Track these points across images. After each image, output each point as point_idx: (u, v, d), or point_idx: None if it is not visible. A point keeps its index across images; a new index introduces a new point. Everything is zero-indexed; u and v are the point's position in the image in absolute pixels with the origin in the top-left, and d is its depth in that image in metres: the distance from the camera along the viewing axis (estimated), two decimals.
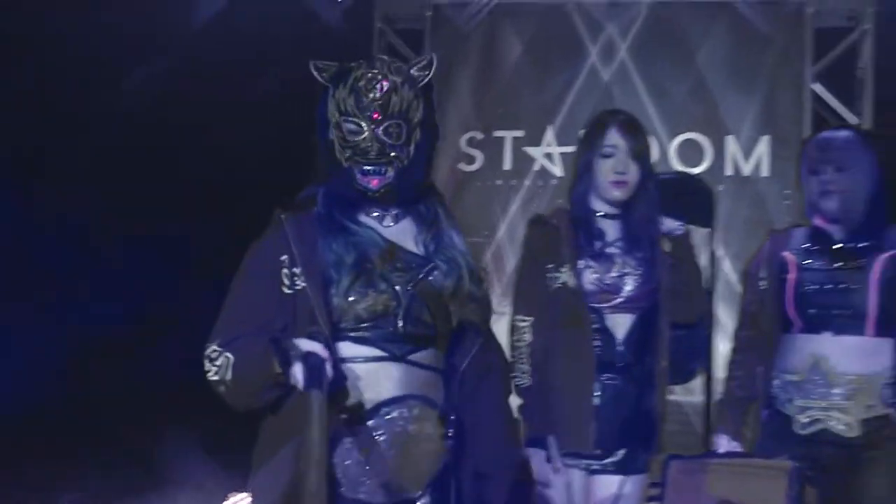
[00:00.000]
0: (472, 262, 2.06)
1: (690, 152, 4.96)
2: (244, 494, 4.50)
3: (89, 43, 5.34)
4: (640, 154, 2.63)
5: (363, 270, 1.92)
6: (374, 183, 1.97)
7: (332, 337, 1.91)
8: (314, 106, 6.20)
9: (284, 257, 1.97)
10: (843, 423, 2.58)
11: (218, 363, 1.91)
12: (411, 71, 2.02)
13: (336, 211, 2.01)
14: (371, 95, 1.95)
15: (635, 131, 2.68)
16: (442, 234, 2.04)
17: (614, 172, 2.61)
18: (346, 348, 1.92)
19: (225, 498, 4.71)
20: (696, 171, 4.83)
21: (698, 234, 2.97)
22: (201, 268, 5.08)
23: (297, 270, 1.98)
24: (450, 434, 1.97)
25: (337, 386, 1.83)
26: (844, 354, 2.60)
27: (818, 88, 5.27)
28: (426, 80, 2.04)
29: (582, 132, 2.79)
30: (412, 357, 1.94)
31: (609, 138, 2.62)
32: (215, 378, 1.92)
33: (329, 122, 1.97)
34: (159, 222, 5.24)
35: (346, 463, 1.88)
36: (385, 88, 1.96)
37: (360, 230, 1.98)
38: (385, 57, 2.09)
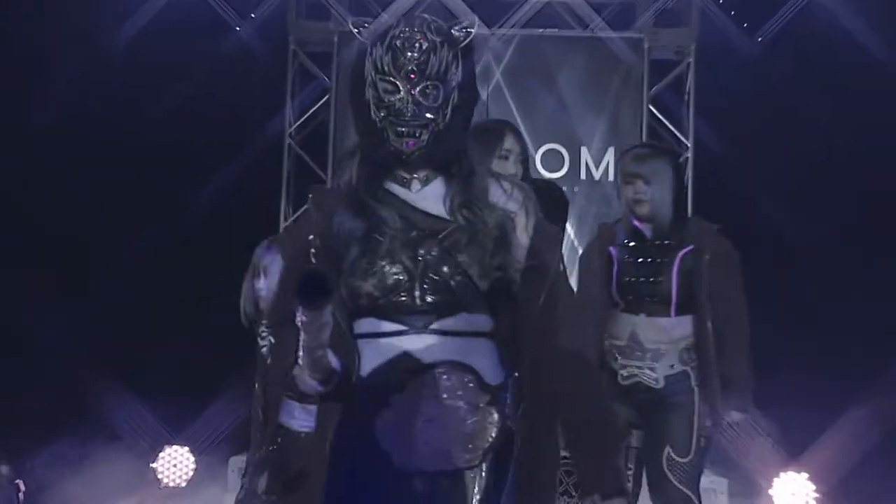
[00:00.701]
0: (504, 215, 1.76)
1: (552, 160, 5.29)
2: (177, 446, 4.92)
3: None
4: (526, 159, 2.76)
5: (372, 244, 1.71)
6: (408, 144, 1.73)
7: (353, 313, 1.74)
8: (232, 113, 5.99)
9: (312, 236, 1.81)
10: (651, 378, 2.90)
11: (265, 343, 1.85)
12: (452, 31, 1.79)
13: (361, 180, 1.76)
14: (409, 54, 1.72)
15: (523, 139, 2.81)
16: (472, 188, 1.76)
17: (508, 173, 2.72)
18: (367, 324, 1.73)
19: (161, 449, 4.95)
20: (556, 175, 5.14)
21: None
22: None
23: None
24: (507, 400, 1.73)
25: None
26: (653, 329, 2.91)
27: (653, 109, 5.59)
28: (467, 41, 1.80)
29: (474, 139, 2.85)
30: (435, 326, 1.71)
31: (507, 143, 2.70)
32: (266, 353, 1.86)
33: (365, 82, 1.75)
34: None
35: (389, 434, 1.69)
36: (423, 48, 1.73)
37: (377, 204, 1.74)
38: (426, 15, 1.82)
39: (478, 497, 1.66)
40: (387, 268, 1.66)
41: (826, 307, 4.98)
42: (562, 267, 1.84)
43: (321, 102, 5.46)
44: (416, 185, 1.73)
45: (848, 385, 4.76)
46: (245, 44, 5.65)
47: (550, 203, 3.43)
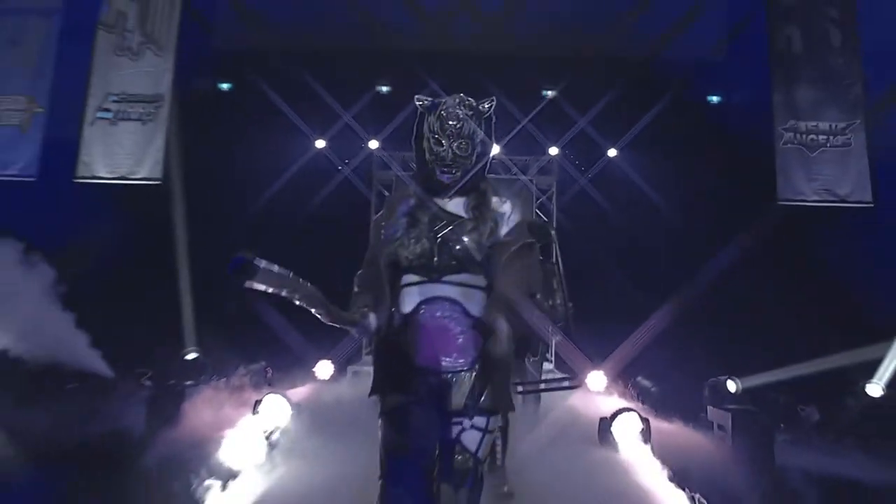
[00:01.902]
0: (500, 220, 1.95)
1: None
2: (325, 360, 6.52)
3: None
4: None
5: (411, 228, 1.96)
6: (447, 177, 1.96)
7: (399, 269, 1.99)
8: (346, 210, 8.97)
9: (383, 223, 2.07)
10: None
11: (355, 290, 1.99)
12: (479, 106, 2.02)
13: (416, 194, 2.00)
14: (451, 122, 1.94)
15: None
16: (483, 201, 1.98)
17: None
18: (407, 277, 2.02)
19: (317, 362, 6.61)
20: None
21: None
22: None
23: None
24: (477, 328, 1.88)
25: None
26: None
27: (538, 211, 7.87)
28: (488, 113, 2.02)
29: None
30: (445, 279, 1.94)
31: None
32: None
33: (423, 136, 1.99)
34: None
35: (411, 343, 1.90)
36: (460, 118, 1.94)
37: (420, 206, 1.96)
38: (463, 95, 2.01)
39: (469, 389, 1.94)
40: (417, 242, 1.96)
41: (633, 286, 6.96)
42: (536, 249, 2.03)
43: None
44: (447, 197, 2.02)
45: (627, 325, 6.26)
46: (346, 178, 8.12)
47: (542, 233, 4.02)
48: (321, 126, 8.13)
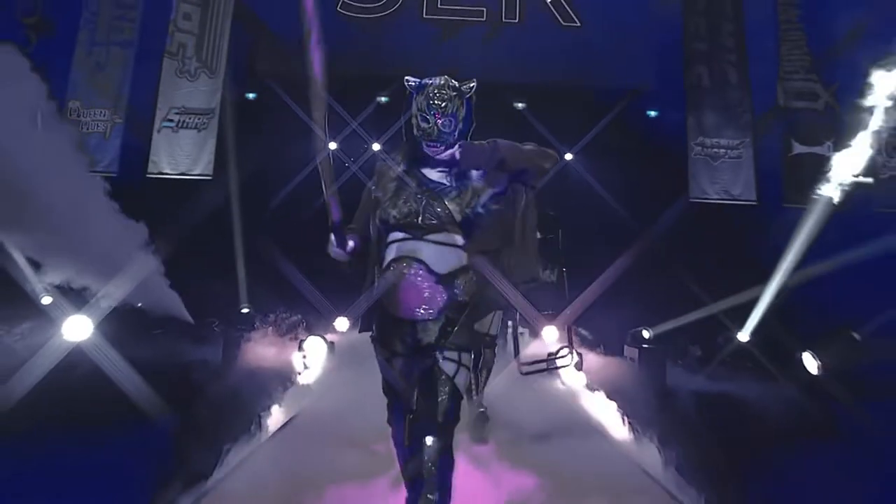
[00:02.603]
0: (477, 188, 1.96)
1: None
2: (342, 316, 6.71)
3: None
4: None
5: (399, 191, 1.98)
6: (432, 151, 2.01)
7: (386, 227, 2.02)
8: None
9: (373, 186, 2.15)
10: None
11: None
12: (461, 87, 2.06)
13: (404, 161, 2.03)
14: (436, 102, 2.00)
15: None
16: (462, 172, 1.99)
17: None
18: (393, 235, 2.09)
19: (335, 318, 6.81)
20: None
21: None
22: None
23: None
24: (457, 283, 1.92)
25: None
26: None
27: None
28: (470, 93, 2.07)
29: None
30: (426, 237, 1.99)
31: None
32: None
33: (411, 113, 2.05)
34: None
35: (387, 295, 1.97)
36: (444, 97, 2.00)
37: (408, 173, 2.00)
38: (447, 76, 2.01)
39: (437, 335, 2.07)
40: (405, 203, 2.06)
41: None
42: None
43: None
44: (430, 166, 2.07)
45: (574, 290, 6.28)
46: (354, 174, 8.31)
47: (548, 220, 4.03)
48: (333, 131, 8.36)
